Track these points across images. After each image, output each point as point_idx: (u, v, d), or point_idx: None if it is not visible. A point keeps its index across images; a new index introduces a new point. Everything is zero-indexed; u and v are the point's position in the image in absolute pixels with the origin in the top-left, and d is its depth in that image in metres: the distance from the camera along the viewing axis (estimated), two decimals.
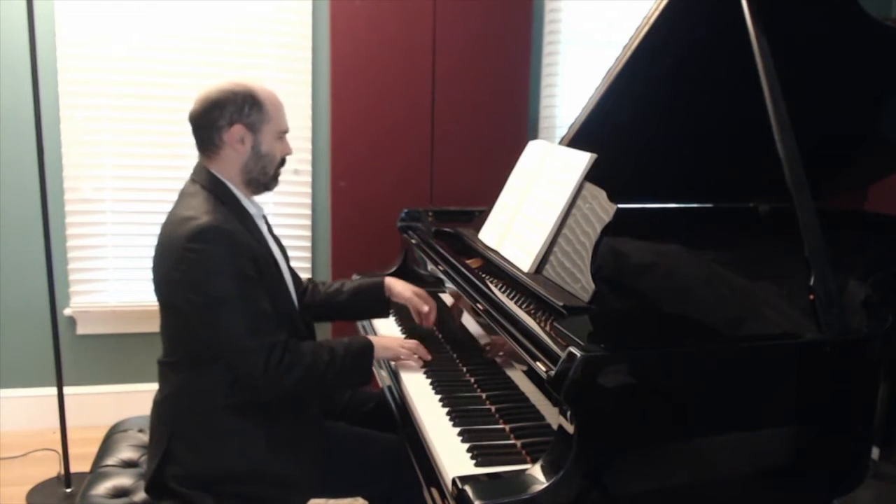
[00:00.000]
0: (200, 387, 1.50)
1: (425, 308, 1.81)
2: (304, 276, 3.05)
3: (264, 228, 1.64)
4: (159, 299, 1.54)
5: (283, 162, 1.63)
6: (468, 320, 1.69)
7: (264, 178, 1.59)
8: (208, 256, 1.41)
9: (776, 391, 1.24)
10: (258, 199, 1.65)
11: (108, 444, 1.77)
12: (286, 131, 1.62)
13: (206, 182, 1.54)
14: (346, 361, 1.53)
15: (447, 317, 1.85)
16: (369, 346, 1.58)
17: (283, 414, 1.53)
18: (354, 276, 2.33)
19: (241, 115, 1.52)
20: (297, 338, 1.52)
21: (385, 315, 1.93)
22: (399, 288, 1.85)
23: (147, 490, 1.51)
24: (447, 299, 1.87)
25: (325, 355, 1.50)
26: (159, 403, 1.56)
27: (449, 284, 1.77)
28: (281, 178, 1.66)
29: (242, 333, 1.42)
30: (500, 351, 1.47)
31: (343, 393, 1.85)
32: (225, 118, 1.51)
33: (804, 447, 1.26)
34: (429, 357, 1.66)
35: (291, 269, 1.73)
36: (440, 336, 1.85)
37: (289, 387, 1.45)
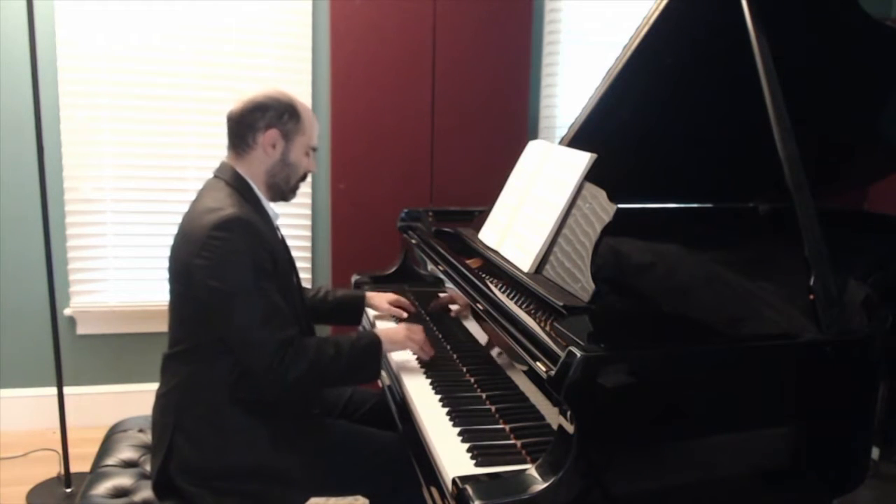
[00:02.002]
0: (205, 380, 1.51)
1: (403, 314, 1.96)
2: (305, 276, 3.07)
3: (280, 234, 1.67)
4: (174, 288, 1.56)
5: (304, 176, 1.68)
6: (468, 320, 1.69)
7: (286, 186, 1.64)
8: (231, 245, 1.44)
9: (776, 391, 1.24)
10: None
11: (108, 444, 1.77)
12: (315, 149, 1.67)
13: (231, 179, 1.58)
14: (353, 357, 1.55)
15: (447, 317, 1.85)
16: (377, 342, 1.60)
17: (285, 411, 1.54)
18: (353, 277, 2.35)
19: (279, 121, 1.58)
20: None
21: (356, 323, 2.06)
22: (376, 301, 2.00)
23: (154, 487, 1.52)
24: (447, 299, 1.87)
25: (330, 350, 1.52)
26: (163, 396, 1.57)
27: (449, 284, 1.77)
28: None
29: (255, 325, 1.44)
30: (499, 347, 1.47)
31: (344, 390, 1.86)
32: (264, 121, 1.57)
33: (804, 447, 1.26)
34: (432, 351, 1.67)
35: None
36: (440, 336, 1.85)
37: (292, 381, 1.47)
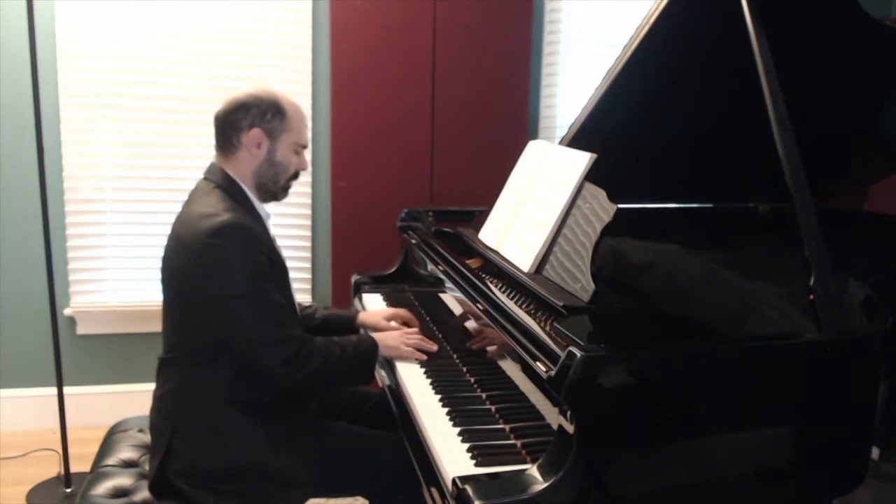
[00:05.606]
0: (202, 383, 1.51)
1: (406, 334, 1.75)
2: (305, 276, 3.07)
3: (272, 232, 1.66)
4: (168, 294, 1.56)
5: (296, 175, 1.66)
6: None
7: (274, 186, 1.62)
8: (229, 252, 1.44)
9: (776, 391, 1.24)
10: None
11: (108, 444, 1.77)
12: (305, 146, 1.65)
13: (221, 181, 1.57)
14: (355, 359, 1.58)
15: (446, 317, 1.85)
16: (374, 346, 1.62)
17: (282, 411, 1.54)
18: (353, 277, 2.34)
19: (262, 119, 1.56)
20: None
21: None
22: (372, 321, 1.87)
23: (150, 488, 1.52)
24: (447, 299, 1.87)
25: (336, 351, 1.55)
26: (160, 399, 1.57)
27: (449, 284, 1.77)
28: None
29: (263, 327, 1.45)
30: (488, 342, 1.47)
31: (344, 391, 1.86)
32: (247, 120, 1.56)
33: (804, 447, 1.26)
34: (433, 348, 1.69)
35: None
36: (440, 336, 1.85)
37: (303, 380, 1.49)
